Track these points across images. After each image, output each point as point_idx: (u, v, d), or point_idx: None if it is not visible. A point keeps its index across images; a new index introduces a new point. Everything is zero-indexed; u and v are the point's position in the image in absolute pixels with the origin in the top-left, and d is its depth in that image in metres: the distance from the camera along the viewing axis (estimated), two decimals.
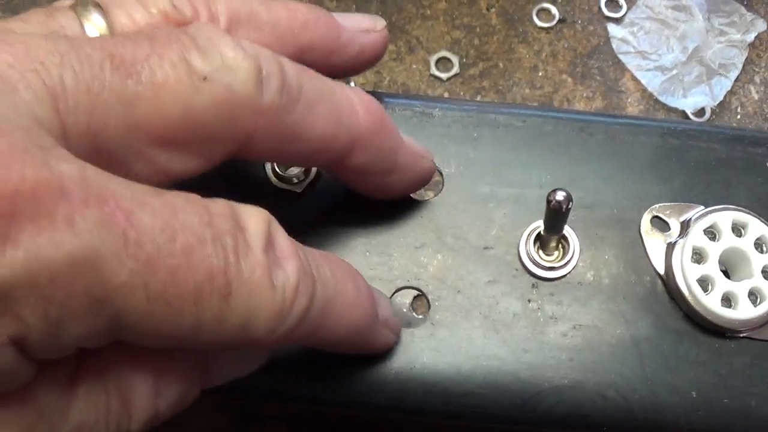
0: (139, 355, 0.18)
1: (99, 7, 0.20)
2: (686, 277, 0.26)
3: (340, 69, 0.25)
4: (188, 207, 0.17)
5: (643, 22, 0.44)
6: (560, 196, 0.23)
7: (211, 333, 0.17)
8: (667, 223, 0.27)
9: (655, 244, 0.27)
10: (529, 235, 0.27)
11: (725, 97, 0.43)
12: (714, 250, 0.26)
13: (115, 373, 0.18)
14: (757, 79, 0.44)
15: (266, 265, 0.18)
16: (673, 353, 0.26)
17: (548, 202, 0.24)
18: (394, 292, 0.26)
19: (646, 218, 0.27)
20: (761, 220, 0.26)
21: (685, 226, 0.27)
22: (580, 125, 0.28)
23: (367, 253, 0.27)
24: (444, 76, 0.43)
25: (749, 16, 0.44)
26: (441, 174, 0.28)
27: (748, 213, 0.26)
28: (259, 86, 0.19)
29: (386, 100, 0.28)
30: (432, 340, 0.26)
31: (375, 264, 0.27)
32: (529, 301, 0.26)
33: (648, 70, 0.43)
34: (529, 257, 0.26)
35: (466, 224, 0.27)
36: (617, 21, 0.45)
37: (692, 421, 0.25)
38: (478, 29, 0.45)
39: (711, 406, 0.25)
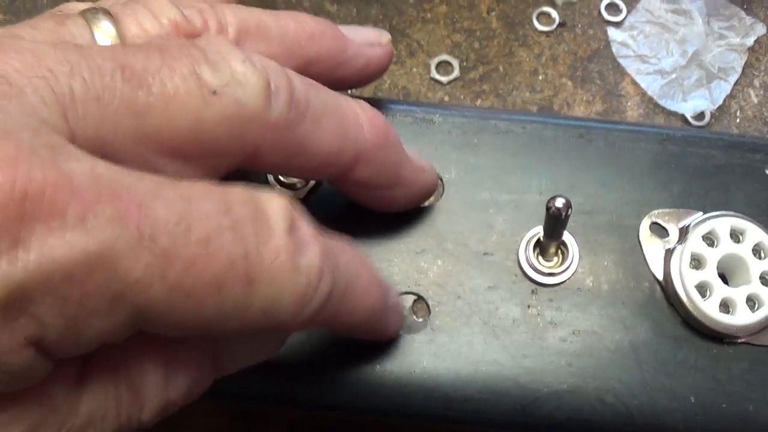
0: (148, 345, 0.18)
1: (109, 15, 0.20)
2: (685, 283, 0.26)
3: (345, 81, 0.25)
4: (205, 197, 0.17)
5: (642, 26, 0.45)
6: (560, 202, 0.24)
7: (235, 320, 0.17)
8: (665, 229, 0.27)
9: (653, 250, 0.27)
10: (529, 241, 0.27)
11: (725, 100, 0.43)
12: (712, 256, 0.26)
13: (125, 364, 0.18)
14: (756, 82, 0.44)
15: (289, 249, 0.17)
16: (671, 358, 0.26)
17: (548, 208, 0.24)
18: None
19: (645, 224, 0.27)
20: (759, 227, 0.26)
21: (683, 232, 0.27)
22: (579, 131, 0.29)
23: (368, 259, 0.27)
24: (444, 79, 0.44)
25: (749, 19, 0.44)
26: (441, 180, 0.28)
27: (747, 219, 0.27)
28: (267, 101, 0.19)
29: (387, 106, 0.29)
30: (432, 345, 0.26)
31: (375, 269, 0.27)
32: (528, 306, 0.26)
33: (648, 73, 0.44)
34: (528, 263, 0.27)
35: (466, 230, 0.27)
36: (617, 25, 0.45)
37: (691, 426, 0.25)
38: (478, 33, 0.45)
39: (709, 411, 0.25)
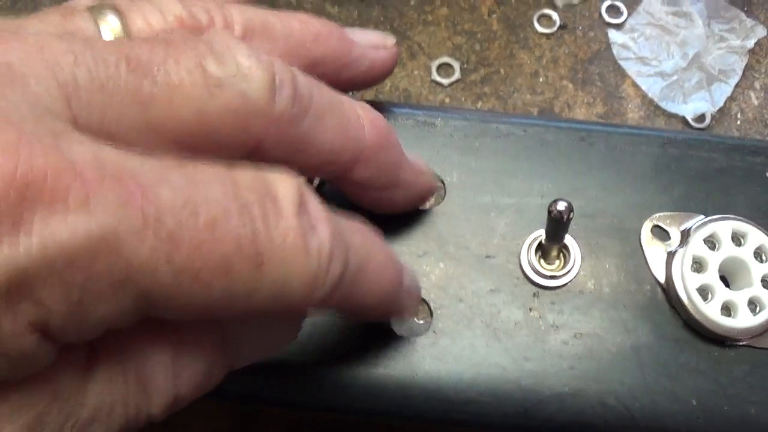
0: (158, 335, 0.18)
1: (116, 10, 0.20)
2: (686, 286, 0.26)
3: (349, 83, 0.25)
4: (211, 178, 0.17)
5: (643, 28, 0.45)
6: (562, 206, 0.24)
7: (244, 303, 0.17)
8: (667, 233, 0.27)
9: (655, 253, 0.27)
10: (531, 244, 0.27)
11: (725, 103, 0.43)
12: (714, 260, 0.26)
13: (133, 354, 0.18)
14: (757, 85, 0.44)
15: (299, 230, 0.17)
16: (673, 361, 0.26)
17: (550, 212, 0.24)
18: None
19: (646, 227, 0.27)
20: (761, 230, 0.27)
21: (685, 236, 0.27)
22: (581, 135, 0.29)
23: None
24: (445, 81, 0.44)
25: (749, 22, 0.44)
26: (443, 183, 0.28)
27: (748, 222, 0.27)
28: (272, 95, 0.19)
29: (389, 109, 0.29)
30: (434, 348, 0.26)
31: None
32: (530, 309, 0.26)
33: (648, 76, 0.44)
34: (530, 266, 0.27)
35: (468, 233, 0.27)
36: (618, 27, 0.45)
37: (692, 429, 0.25)
38: (479, 35, 0.45)
39: (711, 414, 0.25)
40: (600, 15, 0.45)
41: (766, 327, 0.26)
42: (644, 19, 0.45)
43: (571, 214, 0.24)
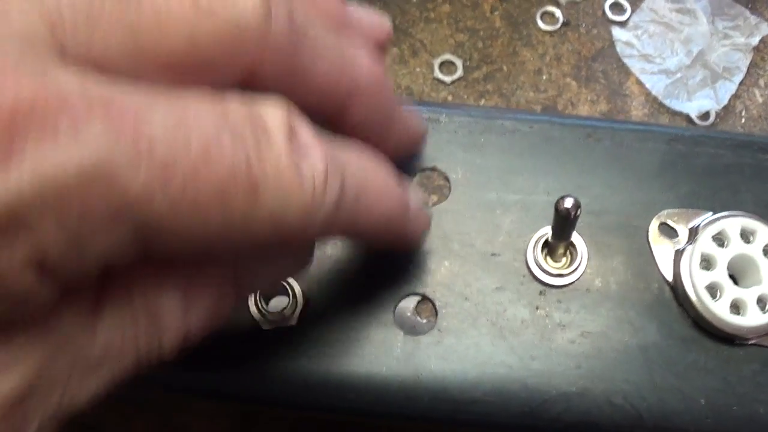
0: (165, 271, 0.18)
1: None
2: (694, 283, 0.25)
3: None
4: (200, 106, 0.16)
5: (647, 26, 0.44)
6: (569, 202, 0.23)
7: (242, 232, 0.17)
8: (675, 230, 0.27)
9: (663, 250, 0.27)
10: (537, 241, 0.27)
11: (730, 100, 0.43)
12: (722, 257, 0.26)
13: (141, 291, 0.17)
14: (761, 82, 0.44)
15: (290, 154, 0.17)
16: (681, 360, 0.25)
17: (557, 208, 0.24)
18: (401, 299, 0.26)
19: (654, 225, 0.27)
20: None
21: (693, 233, 0.26)
22: (587, 131, 0.28)
23: (374, 259, 0.27)
24: (448, 79, 0.43)
25: (754, 19, 0.44)
26: (448, 180, 0.28)
27: (757, 219, 0.26)
28: (266, 19, 0.19)
29: None
30: (439, 347, 0.26)
31: (382, 270, 0.27)
32: (536, 308, 0.26)
33: (652, 73, 0.43)
34: (536, 264, 0.26)
35: (473, 231, 0.27)
36: (621, 24, 0.45)
37: (700, 429, 0.25)
38: (481, 32, 0.45)
39: (719, 413, 0.25)
40: (603, 12, 0.45)
41: None
42: (648, 16, 0.45)
43: (579, 210, 0.23)
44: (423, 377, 0.25)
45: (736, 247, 0.26)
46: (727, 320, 0.25)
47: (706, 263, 0.26)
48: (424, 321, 0.26)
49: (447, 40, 0.45)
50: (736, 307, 0.25)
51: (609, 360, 0.25)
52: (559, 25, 0.45)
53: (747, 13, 0.44)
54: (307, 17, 0.20)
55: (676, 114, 0.43)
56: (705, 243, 0.26)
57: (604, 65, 0.44)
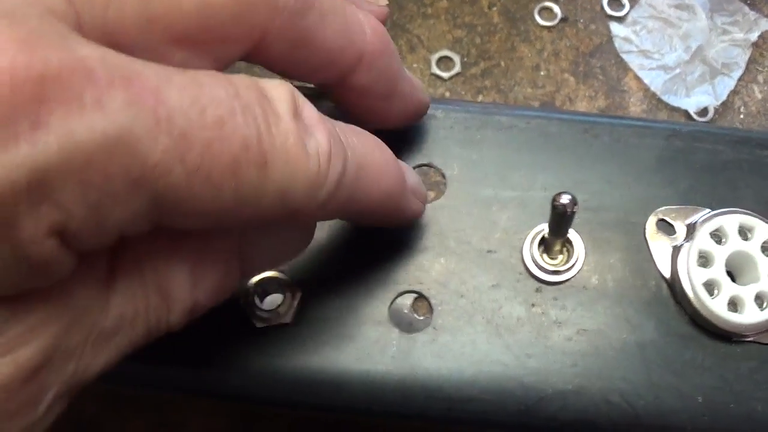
0: (174, 245, 0.18)
1: None
2: (692, 280, 0.25)
3: None
4: (213, 81, 0.17)
5: (645, 21, 0.44)
6: (565, 199, 0.23)
7: (252, 206, 0.17)
8: (672, 227, 0.27)
9: (660, 247, 0.26)
10: (533, 238, 0.26)
11: (728, 96, 0.43)
12: (720, 254, 0.26)
13: (152, 265, 0.18)
14: (760, 78, 0.44)
15: (297, 131, 0.17)
16: (678, 358, 0.25)
17: (553, 205, 0.23)
18: (396, 297, 0.26)
19: (651, 221, 0.27)
20: None
21: (691, 230, 0.26)
22: (584, 127, 0.28)
23: (369, 256, 0.27)
24: (445, 75, 0.43)
25: (752, 15, 0.44)
26: (444, 176, 0.27)
27: (755, 216, 0.26)
28: None
29: None
30: (434, 345, 0.25)
31: (377, 267, 0.26)
32: (533, 305, 0.26)
33: (651, 69, 0.43)
34: (533, 261, 0.26)
35: (469, 227, 0.27)
36: (620, 20, 0.45)
37: (698, 426, 0.25)
38: (479, 28, 0.45)
39: (717, 411, 0.25)
40: (602, 7, 0.45)
41: None
42: (646, 12, 0.44)
43: (576, 207, 0.23)
44: (418, 375, 0.25)
45: (734, 244, 0.26)
46: (724, 317, 0.25)
47: (704, 260, 0.26)
48: (420, 318, 0.26)
49: (444, 35, 0.44)
50: (733, 305, 0.25)
51: (605, 358, 0.25)
52: (557, 21, 0.44)
53: (746, 8, 0.44)
54: None
55: (674, 110, 0.43)
56: (703, 240, 0.26)
57: (602, 61, 0.44)
